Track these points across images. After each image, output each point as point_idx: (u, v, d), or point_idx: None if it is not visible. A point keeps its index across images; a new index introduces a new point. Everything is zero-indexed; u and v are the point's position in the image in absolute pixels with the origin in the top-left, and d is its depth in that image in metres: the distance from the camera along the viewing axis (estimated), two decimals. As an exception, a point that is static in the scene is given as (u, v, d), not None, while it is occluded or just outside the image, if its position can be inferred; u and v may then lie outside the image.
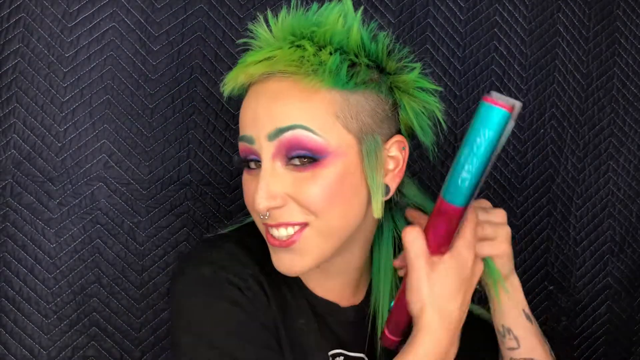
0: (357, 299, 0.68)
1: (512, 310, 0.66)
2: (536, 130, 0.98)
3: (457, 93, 0.95)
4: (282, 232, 0.58)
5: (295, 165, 0.57)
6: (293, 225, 0.57)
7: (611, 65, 1.01)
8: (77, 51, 0.82)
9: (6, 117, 0.81)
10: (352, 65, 0.58)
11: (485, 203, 0.66)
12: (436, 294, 0.55)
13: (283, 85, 0.57)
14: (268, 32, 0.60)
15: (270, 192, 0.56)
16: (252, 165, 0.60)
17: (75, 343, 0.82)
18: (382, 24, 0.92)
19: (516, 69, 0.97)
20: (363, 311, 0.68)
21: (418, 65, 0.62)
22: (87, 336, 0.83)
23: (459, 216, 0.55)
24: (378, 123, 0.59)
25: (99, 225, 0.83)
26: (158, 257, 0.85)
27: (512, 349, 0.66)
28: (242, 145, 0.60)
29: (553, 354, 0.69)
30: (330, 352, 0.65)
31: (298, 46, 0.58)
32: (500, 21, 0.97)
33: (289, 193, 0.57)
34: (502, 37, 0.97)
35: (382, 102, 0.60)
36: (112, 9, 0.83)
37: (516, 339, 0.66)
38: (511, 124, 0.52)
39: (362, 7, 0.61)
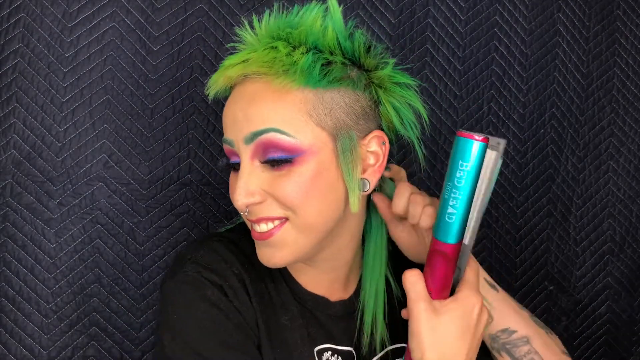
0: (347, 293, 0.69)
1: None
2: (536, 130, 0.98)
3: (458, 93, 0.95)
4: (262, 227, 0.60)
5: (272, 165, 0.59)
6: (273, 220, 0.59)
7: (611, 65, 1.01)
8: (77, 51, 0.82)
9: (6, 117, 0.81)
10: (327, 63, 0.59)
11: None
12: (438, 340, 0.55)
13: (257, 86, 0.59)
14: (253, 36, 0.62)
15: (248, 190, 0.59)
16: (236, 167, 0.62)
17: (75, 343, 0.82)
18: (377, 31, 0.92)
19: (516, 69, 0.97)
20: (353, 305, 0.68)
21: (392, 60, 0.63)
22: (87, 336, 0.83)
23: (455, 254, 0.56)
24: (354, 119, 0.60)
25: (99, 225, 0.83)
26: (158, 257, 0.85)
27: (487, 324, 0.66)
28: (225, 147, 0.62)
29: (537, 319, 0.69)
30: (317, 348, 0.65)
31: (273, 47, 0.59)
32: (500, 21, 0.97)
33: (266, 190, 0.59)
34: (502, 37, 0.97)
35: (360, 98, 0.61)
36: (112, 9, 0.83)
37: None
38: (497, 160, 0.52)
39: (341, 7, 0.61)
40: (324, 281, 0.67)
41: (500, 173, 0.97)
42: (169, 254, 0.85)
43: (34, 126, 0.81)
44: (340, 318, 0.68)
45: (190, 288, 0.60)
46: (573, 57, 1.00)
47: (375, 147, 0.61)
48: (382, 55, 0.64)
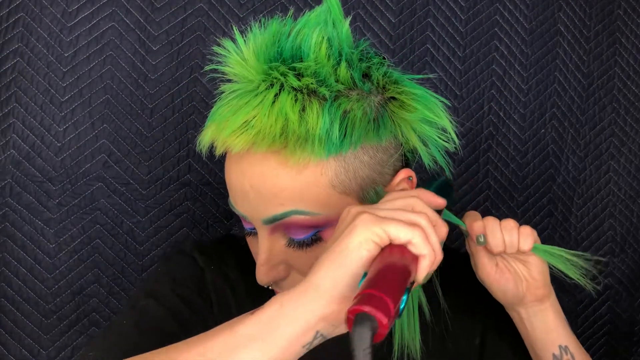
0: None
1: (562, 328, 0.62)
2: (537, 130, 0.98)
3: (458, 93, 0.95)
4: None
5: (297, 240, 0.53)
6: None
7: (612, 64, 1.01)
8: (76, 51, 0.82)
9: (5, 116, 0.80)
10: (344, 113, 0.50)
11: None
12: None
13: (269, 163, 0.50)
14: (240, 61, 0.53)
15: (271, 266, 0.54)
16: (255, 231, 0.56)
17: (74, 343, 0.82)
18: (377, 31, 0.91)
19: (517, 69, 0.97)
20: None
21: (421, 97, 0.54)
22: (87, 336, 0.82)
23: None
24: (379, 171, 0.53)
25: (98, 225, 0.83)
26: (158, 257, 0.85)
27: None
28: (237, 213, 0.56)
29: None
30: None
31: (278, 106, 0.49)
32: (500, 21, 0.96)
33: (292, 263, 0.54)
34: (502, 36, 0.96)
35: (383, 146, 0.53)
36: (111, 9, 0.83)
37: (573, 357, 0.62)
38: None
39: (349, 18, 0.55)
40: None
41: (501, 173, 0.97)
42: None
43: (33, 126, 0.81)
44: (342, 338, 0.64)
45: (180, 254, 0.64)
46: (574, 56, 0.99)
47: (403, 186, 0.56)
48: (402, 80, 0.55)
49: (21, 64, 0.81)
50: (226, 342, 0.43)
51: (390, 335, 0.61)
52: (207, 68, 0.56)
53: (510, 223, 0.57)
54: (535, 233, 0.58)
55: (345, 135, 0.49)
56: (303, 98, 0.49)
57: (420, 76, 0.59)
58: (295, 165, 0.50)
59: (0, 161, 0.80)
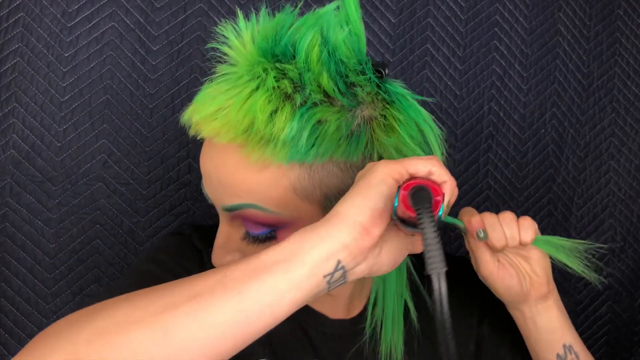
0: (349, 314, 0.65)
1: (566, 327, 0.61)
2: (537, 130, 0.98)
3: (458, 93, 0.95)
4: None
5: (254, 239, 0.54)
6: None
7: (612, 64, 1.01)
8: (76, 51, 0.82)
9: (5, 116, 0.80)
10: (318, 123, 0.49)
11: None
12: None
13: (231, 155, 0.51)
14: (238, 44, 0.53)
15: (227, 251, 0.55)
16: None
17: (74, 343, 0.82)
18: (377, 31, 0.91)
19: (517, 69, 0.97)
20: (354, 326, 0.64)
21: (405, 123, 0.52)
22: (87, 336, 0.82)
23: None
24: (348, 182, 0.51)
25: (98, 226, 0.83)
26: (157, 257, 0.85)
27: None
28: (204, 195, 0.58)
29: None
30: None
31: (250, 103, 0.49)
32: (500, 21, 0.96)
33: (246, 252, 0.55)
34: (502, 36, 0.96)
35: (354, 164, 0.52)
36: (111, 9, 0.83)
37: (577, 356, 0.61)
38: None
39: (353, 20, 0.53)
40: (324, 300, 0.63)
41: (501, 173, 0.97)
42: (168, 254, 0.85)
43: (33, 126, 0.81)
44: (334, 337, 0.64)
45: (179, 235, 0.66)
46: (574, 56, 0.99)
47: None
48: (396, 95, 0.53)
49: (21, 64, 0.81)
50: (248, 266, 0.42)
51: (376, 340, 0.62)
52: (208, 46, 0.58)
53: (508, 215, 0.57)
54: (535, 224, 0.57)
55: (313, 145, 0.49)
56: (277, 100, 0.49)
57: (419, 97, 0.56)
58: (255, 164, 0.50)
59: (0, 161, 0.80)
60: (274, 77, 0.49)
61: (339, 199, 0.48)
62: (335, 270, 0.42)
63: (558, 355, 0.61)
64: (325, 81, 0.50)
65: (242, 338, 0.41)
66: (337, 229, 0.42)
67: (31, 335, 0.81)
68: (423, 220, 0.38)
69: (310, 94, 0.50)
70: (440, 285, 0.37)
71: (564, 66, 0.99)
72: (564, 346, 0.61)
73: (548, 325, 0.61)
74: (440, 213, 0.43)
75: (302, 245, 0.42)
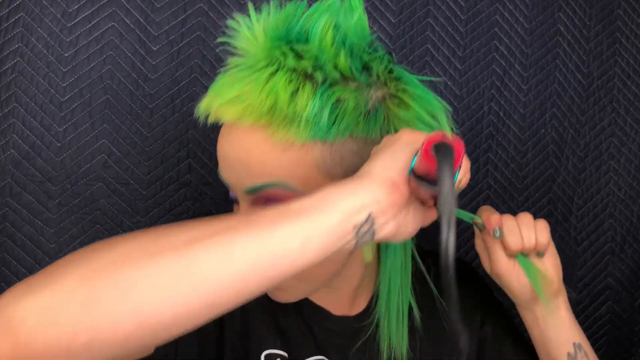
0: (353, 311, 0.66)
1: (575, 326, 0.62)
2: (537, 130, 0.98)
3: (458, 93, 0.95)
4: None
5: None
6: None
7: (612, 64, 1.01)
8: (76, 51, 0.82)
9: (5, 116, 0.80)
10: (337, 101, 0.51)
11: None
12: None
13: (255, 136, 0.52)
14: (249, 36, 0.54)
15: None
16: (238, 201, 0.58)
17: (74, 343, 0.82)
18: (380, 35, 0.91)
19: (517, 69, 0.97)
20: (357, 322, 0.65)
21: (420, 98, 0.55)
22: (87, 336, 0.82)
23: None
24: (366, 160, 0.54)
25: (98, 226, 0.83)
26: (157, 257, 0.85)
27: None
28: (223, 182, 0.58)
29: None
30: (308, 359, 0.62)
31: (271, 85, 0.50)
32: (500, 21, 0.96)
33: None
34: (502, 36, 0.96)
35: (374, 139, 0.53)
36: (111, 9, 0.83)
37: (587, 355, 0.62)
38: None
39: (358, 9, 0.56)
40: (328, 295, 0.64)
41: (501, 173, 0.97)
42: (168, 254, 0.85)
43: (33, 126, 0.81)
44: (338, 334, 0.64)
45: None
46: (574, 56, 0.99)
47: None
48: (406, 83, 0.55)
49: (21, 64, 0.81)
50: (276, 211, 0.41)
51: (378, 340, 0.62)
52: (219, 40, 0.59)
53: (527, 218, 0.57)
54: (548, 227, 0.58)
55: (334, 123, 0.51)
56: (297, 80, 0.51)
57: (423, 77, 0.58)
58: (280, 143, 0.51)
59: (0, 161, 0.80)
60: (294, 58, 0.51)
61: None
62: (366, 222, 0.42)
63: (569, 355, 0.62)
64: (342, 60, 0.51)
65: (263, 279, 0.40)
66: (369, 184, 0.43)
67: (31, 335, 0.81)
68: (443, 166, 0.39)
69: (328, 73, 0.51)
70: (449, 228, 0.39)
71: (564, 66, 0.99)
72: (574, 345, 0.62)
73: (558, 323, 0.62)
74: (458, 170, 0.45)
75: (335, 195, 0.42)
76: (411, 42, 0.93)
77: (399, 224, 0.46)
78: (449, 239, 0.39)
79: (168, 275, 0.37)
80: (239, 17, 0.55)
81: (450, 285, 0.40)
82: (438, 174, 0.40)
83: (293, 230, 0.40)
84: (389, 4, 0.92)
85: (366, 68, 0.53)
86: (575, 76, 1.00)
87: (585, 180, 1.01)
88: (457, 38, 0.95)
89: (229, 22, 0.56)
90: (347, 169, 0.52)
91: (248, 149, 0.52)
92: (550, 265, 0.61)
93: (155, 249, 0.38)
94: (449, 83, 0.94)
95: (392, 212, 0.44)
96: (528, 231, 0.57)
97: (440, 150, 0.41)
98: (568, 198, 1.00)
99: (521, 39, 0.97)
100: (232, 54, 0.56)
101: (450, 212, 0.38)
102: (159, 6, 0.84)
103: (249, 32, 0.54)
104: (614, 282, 1.02)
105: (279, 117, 0.50)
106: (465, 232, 0.96)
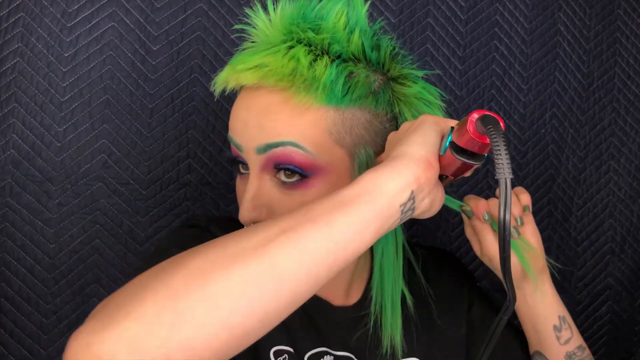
0: (350, 301, 0.67)
1: (558, 300, 0.66)
2: (537, 130, 0.98)
3: (458, 93, 0.95)
4: None
5: (284, 181, 0.56)
6: None
7: (612, 64, 1.01)
8: (76, 51, 0.82)
9: (5, 116, 0.80)
10: (350, 74, 0.56)
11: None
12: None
13: (274, 99, 0.55)
14: (266, 22, 0.58)
15: (255, 205, 0.57)
16: (242, 169, 0.60)
17: (74, 343, 0.82)
18: (386, 27, 0.91)
19: (517, 69, 0.97)
20: (355, 312, 0.66)
21: (421, 76, 0.61)
22: (87, 336, 0.82)
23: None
24: (372, 136, 0.57)
25: (98, 226, 0.83)
26: (157, 257, 0.85)
27: (568, 340, 0.65)
28: (232, 147, 0.60)
29: None
30: (312, 352, 0.63)
31: (292, 53, 0.55)
32: (500, 21, 0.96)
33: (274, 208, 0.57)
34: (502, 36, 0.96)
35: (380, 114, 0.58)
36: (111, 9, 0.83)
37: (570, 327, 0.66)
38: None
39: (369, 2, 0.61)
40: (326, 285, 0.65)
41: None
42: (168, 254, 0.85)
43: (33, 126, 0.81)
44: (339, 325, 0.65)
45: (195, 227, 0.66)
46: (574, 56, 0.99)
47: None
48: (410, 65, 0.61)
49: (21, 64, 0.81)
50: (329, 202, 0.43)
51: (379, 330, 0.64)
52: (236, 27, 0.62)
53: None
54: (526, 190, 0.65)
55: (347, 92, 0.55)
56: (316, 52, 0.55)
57: (423, 72, 0.62)
58: (298, 105, 0.54)
59: (0, 161, 0.80)
60: (311, 32, 0.56)
61: (365, 147, 0.56)
62: (408, 200, 0.46)
63: (555, 327, 0.66)
64: (356, 38, 0.57)
65: (335, 265, 0.42)
66: (407, 164, 0.46)
67: (31, 335, 0.81)
68: (495, 134, 0.43)
69: (343, 49, 0.56)
70: (507, 188, 0.43)
71: (564, 66, 0.99)
72: (559, 317, 0.66)
73: (545, 298, 0.66)
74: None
75: (379, 179, 0.45)
76: (411, 42, 0.93)
77: (433, 198, 0.49)
78: (507, 199, 0.43)
79: (254, 278, 0.38)
80: (255, 5, 0.60)
81: (507, 245, 0.44)
82: (491, 141, 0.43)
83: (352, 219, 0.42)
84: (389, 4, 0.92)
85: (376, 48, 0.59)
86: (575, 76, 1.00)
87: (585, 180, 1.01)
88: (457, 38, 0.95)
89: (246, 10, 0.60)
90: (355, 139, 0.56)
91: (267, 109, 0.55)
92: (534, 239, 0.64)
93: (234, 253, 0.39)
94: (449, 83, 0.94)
95: (428, 188, 0.47)
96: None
97: (490, 122, 0.44)
98: (568, 198, 1.00)
99: (521, 39, 0.97)
100: (248, 40, 0.60)
101: (507, 171, 0.42)
102: (159, 6, 0.84)
103: (266, 18, 0.59)
104: (614, 282, 1.02)
105: (299, 80, 0.54)
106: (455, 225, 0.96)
